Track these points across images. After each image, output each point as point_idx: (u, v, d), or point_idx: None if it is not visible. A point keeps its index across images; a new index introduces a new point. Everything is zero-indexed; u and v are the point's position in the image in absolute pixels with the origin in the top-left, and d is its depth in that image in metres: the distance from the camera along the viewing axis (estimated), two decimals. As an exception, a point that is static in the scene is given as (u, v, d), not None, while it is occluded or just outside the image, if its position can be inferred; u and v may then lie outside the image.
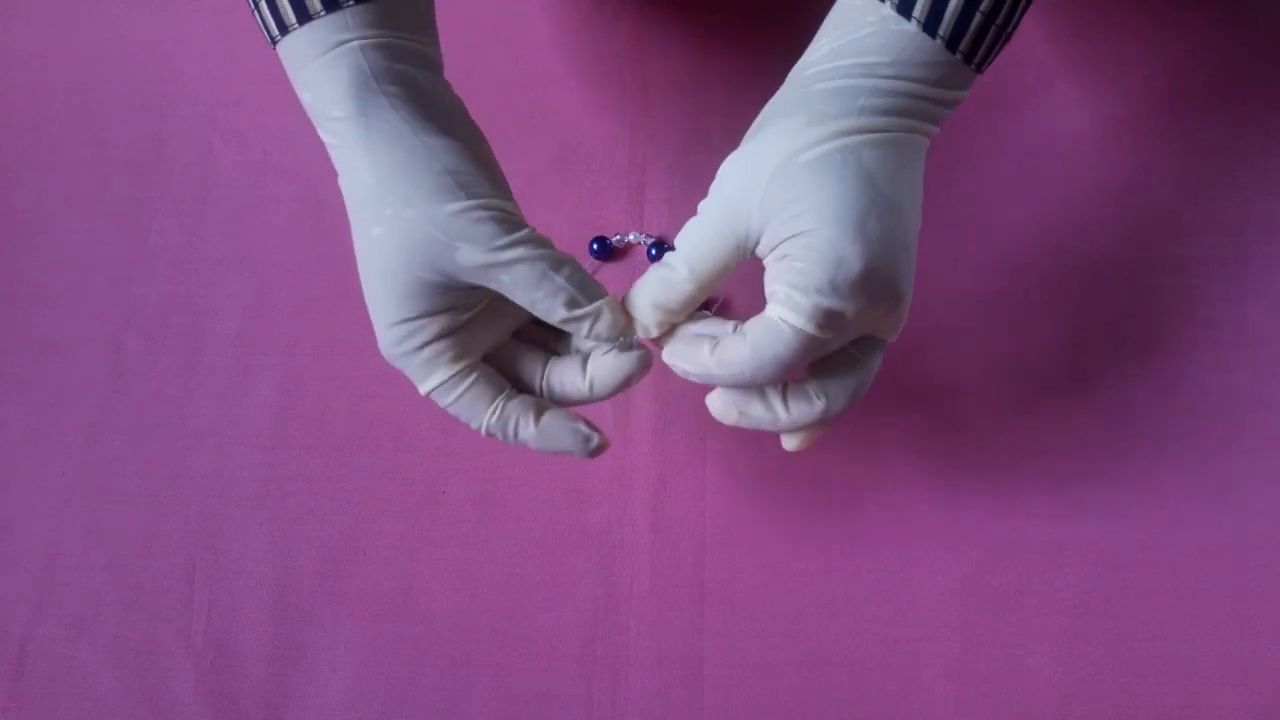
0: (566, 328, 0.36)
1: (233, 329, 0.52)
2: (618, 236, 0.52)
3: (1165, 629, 0.44)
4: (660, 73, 0.57)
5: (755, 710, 0.43)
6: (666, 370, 0.50)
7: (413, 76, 0.36)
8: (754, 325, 0.34)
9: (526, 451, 0.48)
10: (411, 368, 0.36)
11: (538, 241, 0.34)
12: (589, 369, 0.37)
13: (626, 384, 0.37)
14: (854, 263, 0.31)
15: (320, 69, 0.34)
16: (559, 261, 0.34)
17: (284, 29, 0.35)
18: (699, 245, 0.35)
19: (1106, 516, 0.46)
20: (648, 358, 0.37)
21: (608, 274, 0.52)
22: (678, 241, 0.36)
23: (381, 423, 0.49)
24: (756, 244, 0.34)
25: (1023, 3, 0.34)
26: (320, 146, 0.58)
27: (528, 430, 0.36)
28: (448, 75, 0.38)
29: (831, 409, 0.35)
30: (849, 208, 0.32)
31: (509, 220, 0.34)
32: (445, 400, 0.36)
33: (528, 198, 0.53)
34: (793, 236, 0.32)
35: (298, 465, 0.48)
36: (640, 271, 0.52)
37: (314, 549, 0.47)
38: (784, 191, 0.32)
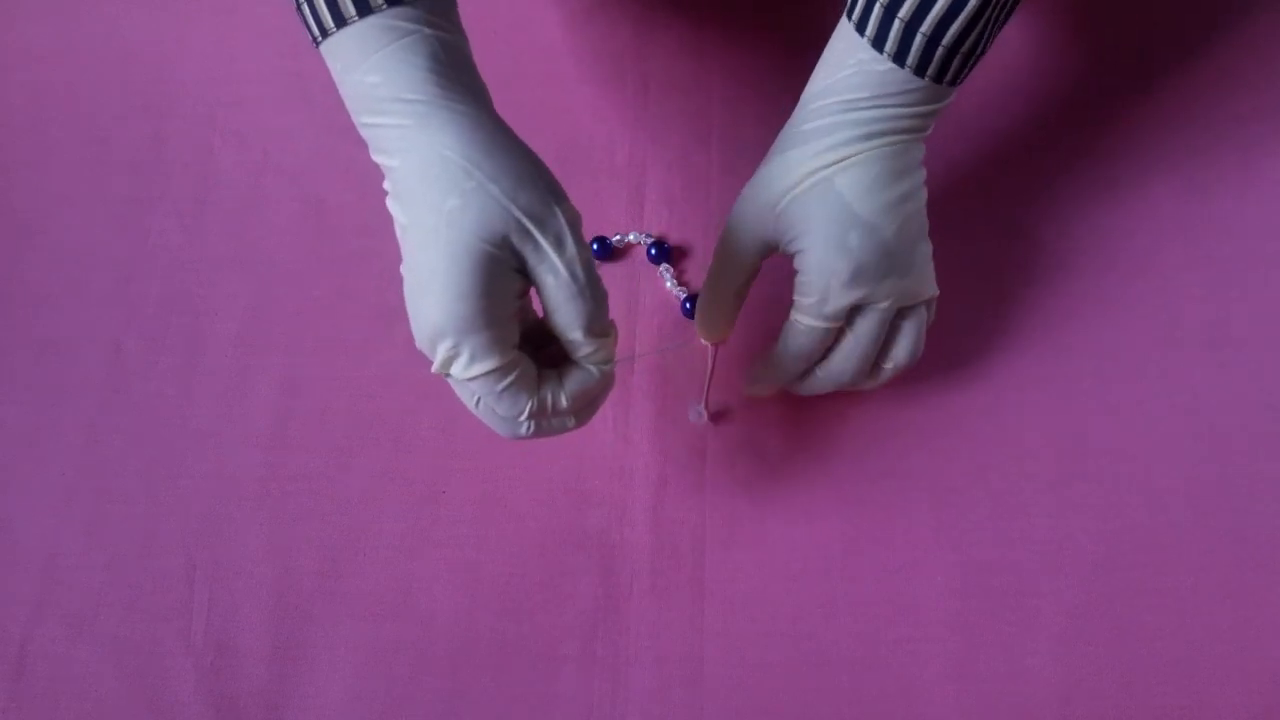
0: (568, 344, 0.38)
1: (233, 329, 0.52)
2: (618, 236, 0.52)
3: (1165, 629, 0.44)
4: (660, 73, 0.57)
5: (755, 710, 0.43)
6: (667, 372, 0.50)
7: (473, 74, 0.38)
8: (785, 329, 0.43)
9: (527, 451, 0.48)
10: (470, 346, 0.35)
11: (590, 258, 0.37)
12: (567, 386, 0.38)
13: (596, 405, 0.41)
14: (842, 271, 0.39)
15: (395, 54, 0.36)
16: (598, 286, 0.37)
17: (342, 21, 0.36)
18: (727, 263, 0.43)
19: (1106, 516, 0.46)
20: (612, 381, 0.40)
21: (608, 274, 0.52)
22: (711, 266, 0.44)
23: (381, 423, 0.49)
24: (770, 252, 0.42)
25: (989, 29, 0.38)
26: (321, 147, 0.59)
27: (561, 398, 0.38)
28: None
29: (899, 367, 0.43)
30: (830, 231, 0.39)
31: (577, 226, 0.37)
32: (496, 386, 0.36)
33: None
34: (798, 253, 0.41)
35: (298, 465, 0.48)
36: (640, 271, 0.52)
37: (314, 549, 0.47)
38: (785, 223, 0.40)
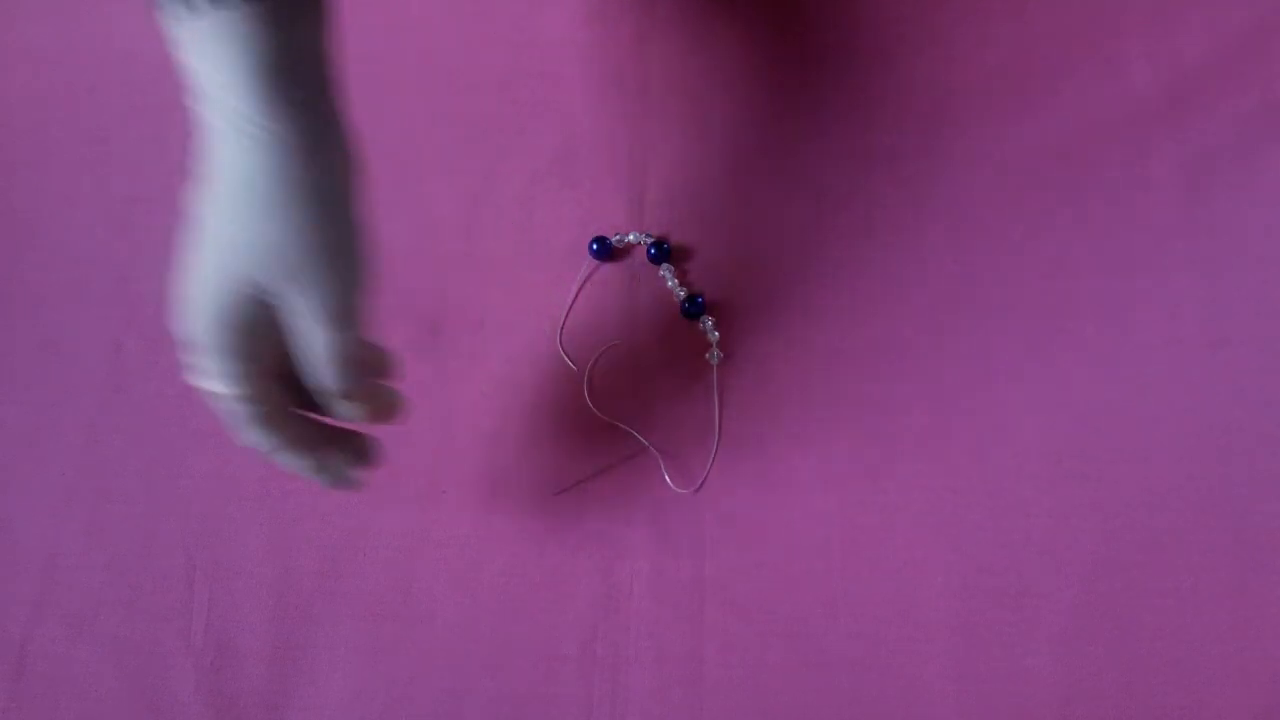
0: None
1: (233, 329, 0.51)
2: (617, 236, 0.52)
3: (1165, 629, 0.44)
4: (660, 73, 0.56)
5: (755, 710, 0.43)
6: (667, 373, 0.50)
7: (313, 85, 0.36)
8: None
9: (527, 452, 0.48)
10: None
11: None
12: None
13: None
14: None
15: (228, 49, 0.36)
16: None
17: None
18: None
19: (1106, 516, 0.46)
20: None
21: (608, 274, 0.52)
22: None
23: (381, 423, 0.49)
24: None
25: None
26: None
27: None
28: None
29: None
30: None
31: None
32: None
33: (528, 197, 0.53)
34: None
35: (298, 465, 0.48)
36: (640, 271, 0.52)
37: (314, 549, 0.47)
38: None
